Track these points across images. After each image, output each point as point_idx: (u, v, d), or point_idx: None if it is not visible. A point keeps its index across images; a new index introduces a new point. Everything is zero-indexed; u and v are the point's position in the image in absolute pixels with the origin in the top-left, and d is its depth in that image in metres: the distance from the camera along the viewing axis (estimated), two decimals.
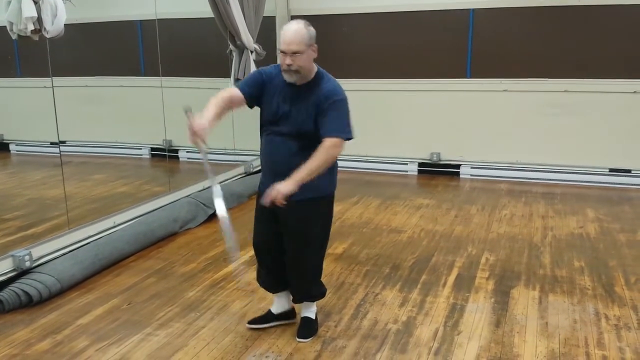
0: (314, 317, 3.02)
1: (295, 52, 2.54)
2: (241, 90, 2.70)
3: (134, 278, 3.69)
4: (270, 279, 3.00)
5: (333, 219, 4.77)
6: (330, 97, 2.61)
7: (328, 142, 2.56)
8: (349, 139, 2.64)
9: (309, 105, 2.63)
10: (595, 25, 5.80)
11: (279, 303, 3.05)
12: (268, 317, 3.05)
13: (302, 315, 3.01)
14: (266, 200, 2.55)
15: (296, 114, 2.65)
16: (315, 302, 3.04)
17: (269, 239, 2.88)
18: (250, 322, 3.05)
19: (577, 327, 2.98)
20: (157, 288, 3.54)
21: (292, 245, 2.83)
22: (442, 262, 3.92)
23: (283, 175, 2.58)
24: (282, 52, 2.57)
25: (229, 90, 2.71)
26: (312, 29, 2.62)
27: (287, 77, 2.63)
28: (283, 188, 2.52)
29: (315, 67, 2.70)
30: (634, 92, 5.78)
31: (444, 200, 5.50)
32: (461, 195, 5.70)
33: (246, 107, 2.79)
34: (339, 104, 2.62)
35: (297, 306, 3.07)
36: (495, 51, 6.13)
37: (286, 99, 2.67)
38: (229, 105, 2.69)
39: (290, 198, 2.56)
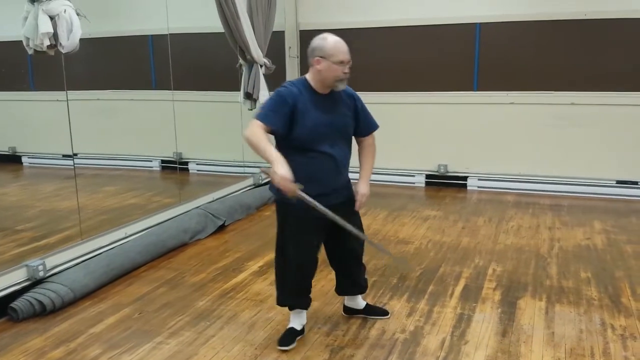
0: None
1: (349, 61, 2.77)
2: (273, 125, 2.67)
3: (145, 288, 3.75)
4: (308, 294, 3.07)
5: None
6: (354, 94, 2.96)
7: (372, 138, 3.03)
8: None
9: (346, 107, 2.89)
10: (602, 39, 5.85)
11: (302, 318, 3.09)
12: (296, 333, 3.03)
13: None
14: (360, 206, 2.94)
15: (340, 119, 2.85)
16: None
17: (317, 251, 2.99)
18: (280, 345, 2.96)
19: (583, 337, 3.00)
20: (168, 298, 3.59)
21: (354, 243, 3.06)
22: (449, 272, 3.95)
23: (342, 181, 2.91)
24: (342, 62, 2.72)
25: (260, 127, 2.64)
26: None
27: (341, 86, 2.80)
28: (366, 189, 2.95)
29: None
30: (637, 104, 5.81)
31: (451, 211, 5.53)
32: (468, 207, 5.73)
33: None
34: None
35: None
36: (501, 64, 6.19)
37: (325, 109, 2.79)
38: None
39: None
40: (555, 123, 6.10)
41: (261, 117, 2.67)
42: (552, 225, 5.03)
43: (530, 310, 3.34)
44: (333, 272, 3.93)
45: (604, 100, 5.91)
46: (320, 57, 2.72)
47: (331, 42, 2.72)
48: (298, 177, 2.57)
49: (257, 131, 2.62)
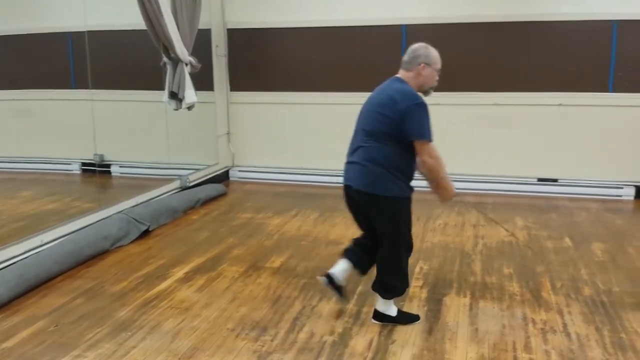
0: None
1: None
2: None
3: (62, 299, 3.55)
4: None
5: (272, 233, 4.84)
6: None
7: None
8: None
9: None
10: (522, 41, 6.07)
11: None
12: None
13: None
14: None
15: None
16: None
17: None
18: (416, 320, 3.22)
19: (505, 332, 3.08)
20: (86, 308, 3.41)
21: None
22: None
23: None
24: (439, 70, 3.07)
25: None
26: None
27: (431, 93, 3.10)
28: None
29: None
30: (559, 104, 6.06)
31: None
32: None
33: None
34: None
35: None
36: None
37: None
38: None
39: None
40: (479, 123, 6.28)
41: (431, 136, 2.94)
42: (476, 222, 5.16)
43: (455, 307, 3.39)
44: (262, 276, 3.92)
45: (524, 101, 6.14)
46: (426, 63, 3.01)
47: (434, 51, 3.05)
48: (408, 171, 3.05)
49: (438, 153, 2.99)
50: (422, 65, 3.01)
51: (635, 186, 6.05)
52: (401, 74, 3.09)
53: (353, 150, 3.12)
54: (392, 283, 3.15)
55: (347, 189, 3.16)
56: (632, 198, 6.03)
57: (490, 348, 2.91)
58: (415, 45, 3.08)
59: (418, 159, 3.01)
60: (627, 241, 4.62)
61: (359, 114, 3.16)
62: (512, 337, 3.03)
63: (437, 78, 3.08)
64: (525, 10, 5.99)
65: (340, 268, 3.28)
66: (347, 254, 3.31)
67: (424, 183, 3.22)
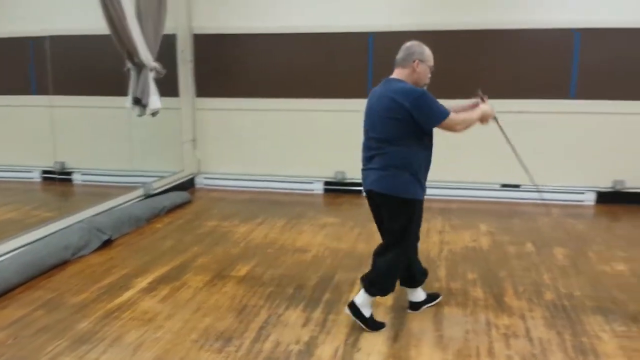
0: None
1: None
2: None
3: (21, 311, 3.45)
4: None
5: (238, 241, 4.79)
6: None
7: None
8: None
9: None
10: (485, 49, 6.17)
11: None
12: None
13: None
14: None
15: None
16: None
17: None
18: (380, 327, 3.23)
19: (469, 338, 3.11)
20: (46, 320, 3.32)
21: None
22: (344, 280, 3.96)
23: None
24: (432, 66, 3.16)
25: (453, 113, 3.11)
26: None
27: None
28: None
29: None
30: (519, 111, 6.17)
31: (349, 218, 5.58)
32: (365, 213, 5.73)
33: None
34: None
35: None
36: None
37: None
38: None
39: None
40: (445, 130, 6.33)
41: (446, 109, 3.04)
42: (442, 229, 5.21)
43: (420, 313, 3.41)
44: (227, 285, 3.87)
45: None
46: (420, 60, 3.09)
47: (427, 49, 3.14)
48: (426, 166, 3.16)
49: (458, 116, 3.11)
50: (417, 61, 3.09)
51: (596, 191, 6.21)
52: (396, 73, 3.16)
53: (369, 158, 3.19)
54: (383, 281, 3.19)
55: (369, 193, 3.24)
56: (592, 203, 6.18)
57: (454, 354, 2.93)
58: (409, 43, 3.16)
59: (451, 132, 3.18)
60: (587, 246, 4.73)
61: (364, 121, 3.25)
62: (475, 342, 3.06)
63: (429, 75, 3.16)
64: (489, 18, 6.09)
65: (410, 294, 3.48)
66: (401, 282, 3.43)
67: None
